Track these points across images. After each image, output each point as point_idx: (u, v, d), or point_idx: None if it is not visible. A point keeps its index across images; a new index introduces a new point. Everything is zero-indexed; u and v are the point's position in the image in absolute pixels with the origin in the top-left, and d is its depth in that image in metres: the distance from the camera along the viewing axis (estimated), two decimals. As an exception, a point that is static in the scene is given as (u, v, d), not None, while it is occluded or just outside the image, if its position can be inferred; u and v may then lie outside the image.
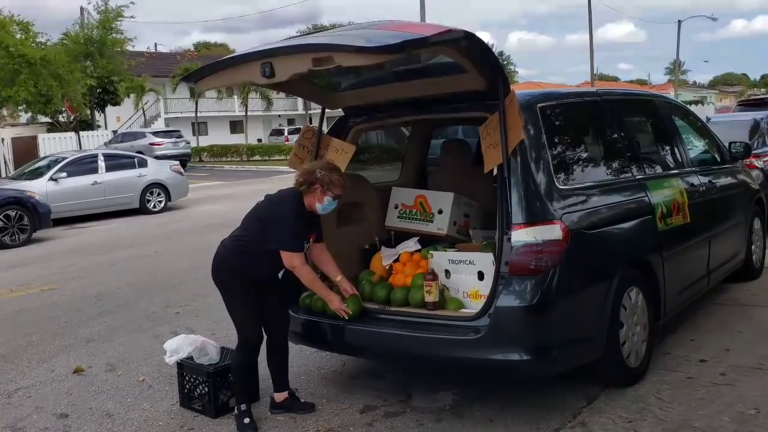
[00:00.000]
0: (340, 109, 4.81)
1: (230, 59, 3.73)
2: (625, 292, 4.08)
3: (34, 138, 29.84)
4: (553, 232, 3.58)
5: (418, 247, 4.50)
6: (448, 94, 4.12)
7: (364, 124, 4.65)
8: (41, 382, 5.01)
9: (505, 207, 3.62)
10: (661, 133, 5.40)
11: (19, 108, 18.67)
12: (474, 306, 3.86)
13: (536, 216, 3.57)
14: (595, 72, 44.63)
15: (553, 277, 3.56)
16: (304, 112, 48.83)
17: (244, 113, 41.49)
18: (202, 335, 5.32)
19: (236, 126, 46.12)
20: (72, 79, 18.17)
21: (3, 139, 29.27)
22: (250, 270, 3.90)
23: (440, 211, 4.77)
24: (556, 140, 4.00)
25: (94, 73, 25.15)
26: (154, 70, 41.39)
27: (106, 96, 31.33)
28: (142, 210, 15.84)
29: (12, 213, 12.07)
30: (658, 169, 4.99)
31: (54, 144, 27.91)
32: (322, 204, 3.91)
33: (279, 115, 49.22)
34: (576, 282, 3.70)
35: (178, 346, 4.24)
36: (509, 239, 3.56)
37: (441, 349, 3.69)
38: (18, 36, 16.84)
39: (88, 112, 31.18)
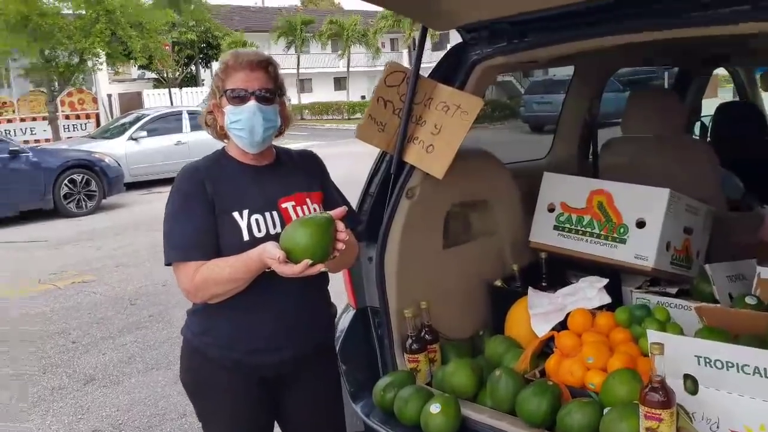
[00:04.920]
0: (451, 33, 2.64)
1: None
2: None
3: (139, 94, 29.49)
4: None
5: (607, 299, 2.33)
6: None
7: (499, 57, 2.45)
8: (-15, 465, 3.29)
9: None
10: None
11: (99, 60, 17.50)
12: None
13: None
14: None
15: None
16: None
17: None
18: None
19: (340, 82, 44.37)
20: (152, 29, 16.79)
21: (110, 95, 28.99)
22: (225, 344, 1.87)
23: (641, 223, 2.55)
24: None
25: (188, 25, 23.94)
26: (257, 24, 40.22)
27: (209, 51, 30.47)
28: (229, 173, 14.32)
29: (78, 177, 10.72)
30: None
31: (158, 100, 27.28)
32: (229, 125, 1.85)
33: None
34: None
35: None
36: None
37: None
38: (99, -18, 15.67)
39: (191, 67, 30.38)
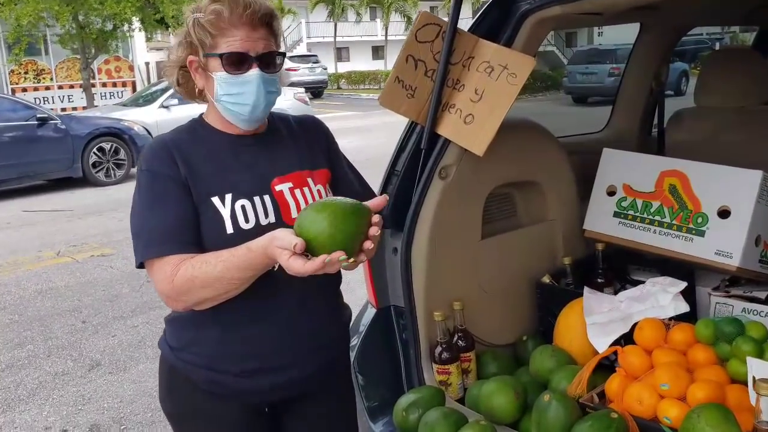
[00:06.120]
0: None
1: None
2: None
3: (176, 62, 29.40)
4: None
5: (684, 307, 1.90)
6: None
7: (556, 6, 2.00)
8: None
9: None
10: None
11: (132, 27, 17.18)
12: None
13: None
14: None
15: None
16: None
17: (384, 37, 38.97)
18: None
19: (378, 51, 43.62)
20: (184, -7, 16.49)
21: (147, 63, 28.85)
22: (211, 364, 1.50)
23: (724, 212, 2.10)
24: None
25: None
26: (295, -9, 39.62)
27: (245, 19, 30.10)
28: (260, 143, 14.03)
29: (107, 146, 10.50)
30: None
31: (194, 68, 27.06)
32: (221, 96, 1.45)
33: (423, 40, 46.03)
34: None
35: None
36: None
37: None
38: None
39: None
